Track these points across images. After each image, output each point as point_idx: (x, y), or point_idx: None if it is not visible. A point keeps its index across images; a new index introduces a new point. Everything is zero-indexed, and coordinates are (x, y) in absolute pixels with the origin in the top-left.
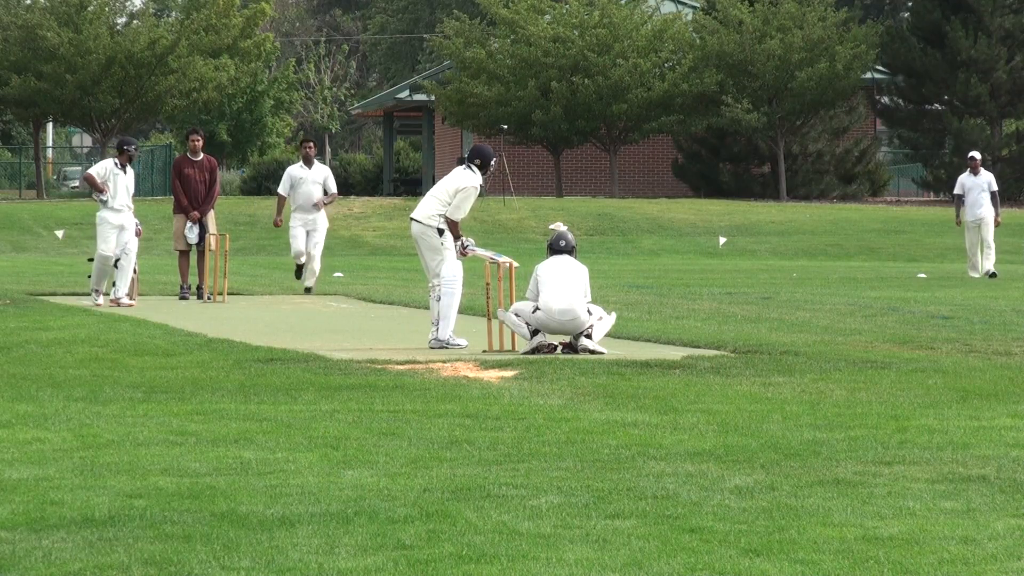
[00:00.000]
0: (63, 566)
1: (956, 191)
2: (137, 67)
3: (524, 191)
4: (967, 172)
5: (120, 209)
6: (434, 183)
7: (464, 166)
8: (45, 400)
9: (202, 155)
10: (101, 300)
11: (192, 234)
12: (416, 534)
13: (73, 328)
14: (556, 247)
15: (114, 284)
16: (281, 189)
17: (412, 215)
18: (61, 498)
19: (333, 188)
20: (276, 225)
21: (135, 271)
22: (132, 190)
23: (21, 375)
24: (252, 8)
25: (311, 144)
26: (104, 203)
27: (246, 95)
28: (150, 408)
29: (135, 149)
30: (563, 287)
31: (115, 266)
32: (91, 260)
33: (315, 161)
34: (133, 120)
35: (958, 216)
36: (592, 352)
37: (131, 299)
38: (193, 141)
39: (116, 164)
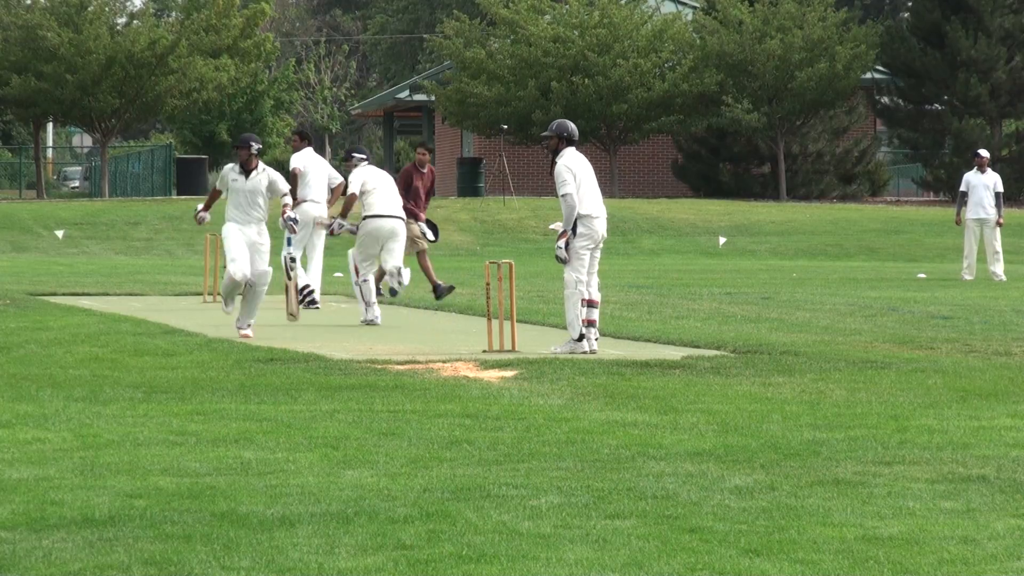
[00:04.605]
0: (63, 566)
1: (961, 188)
2: (137, 67)
3: (524, 191)
4: (974, 170)
5: (244, 223)
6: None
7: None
8: (45, 400)
9: (427, 167)
10: (249, 332)
11: (430, 234)
12: (416, 534)
13: (73, 328)
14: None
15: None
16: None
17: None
18: (61, 498)
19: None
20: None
21: (293, 278)
22: (272, 193)
23: (21, 375)
24: (252, 8)
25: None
26: (200, 220)
27: (246, 95)
28: (150, 408)
29: (248, 151)
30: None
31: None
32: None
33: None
34: (133, 120)
35: (958, 214)
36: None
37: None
38: (421, 155)
39: (236, 169)
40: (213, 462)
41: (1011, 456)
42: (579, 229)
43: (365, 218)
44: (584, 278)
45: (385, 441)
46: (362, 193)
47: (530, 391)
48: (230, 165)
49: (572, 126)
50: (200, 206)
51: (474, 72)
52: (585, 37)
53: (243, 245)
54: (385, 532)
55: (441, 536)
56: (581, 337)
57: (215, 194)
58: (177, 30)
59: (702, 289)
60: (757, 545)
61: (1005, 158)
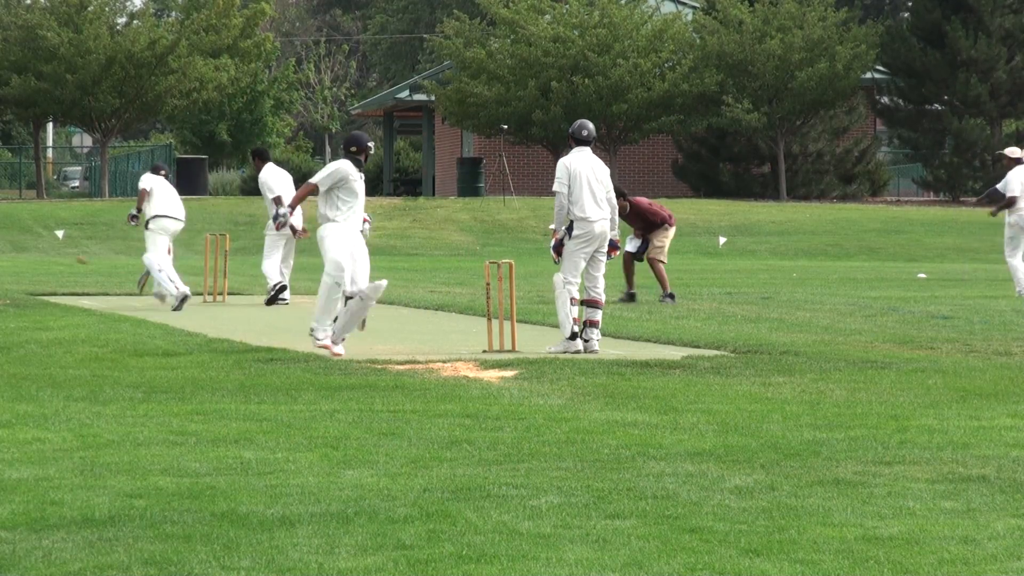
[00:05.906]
0: (63, 566)
1: (999, 187)
2: (137, 67)
3: (524, 191)
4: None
5: (353, 227)
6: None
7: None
8: (45, 400)
9: None
10: (341, 349)
11: (632, 247)
12: (416, 534)
13: (73, 328)
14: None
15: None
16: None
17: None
18: (61, 498)
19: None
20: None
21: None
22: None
23: (21, 375)
24: (252, 8)
25: None
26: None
27: (246, 95)
28: (150, 408)
29: (369, 152)
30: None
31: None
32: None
33: None
34: (133, 120)
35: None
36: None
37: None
38: None
39: (355, 166)
40: (213, 462)
41: (1011, 456)
42: (574, 231)
43: (155, 217)
44: (575, 280)
45: (385, 441)
46: (150, 193)
47: (530, 391)
48: (349, 164)
49: (578, 125)
50: (281, 209)
51: (474, 72)
52: (585, 37)
53: (348, 254)
54: (385, 532)
55: (441, 536)
56: (574, 336)
57: (311, 190)
58: (177, 30)
59: (702, 289)
60: (757, 545)
61: None
